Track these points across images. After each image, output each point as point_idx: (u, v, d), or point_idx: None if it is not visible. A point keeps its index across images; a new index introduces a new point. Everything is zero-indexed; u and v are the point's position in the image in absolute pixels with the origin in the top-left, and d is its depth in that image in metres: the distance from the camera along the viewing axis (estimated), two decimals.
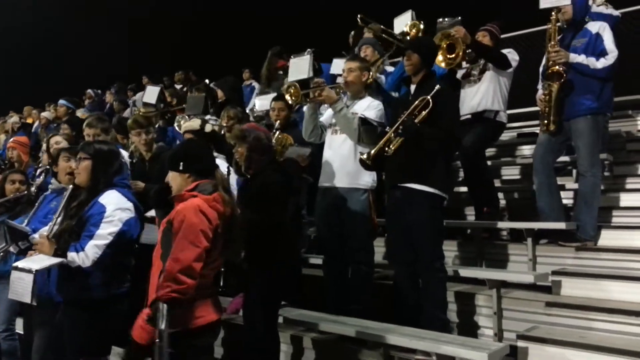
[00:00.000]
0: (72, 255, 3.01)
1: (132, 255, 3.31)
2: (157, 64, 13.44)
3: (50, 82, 14.16)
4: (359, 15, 7.99)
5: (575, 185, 4.65)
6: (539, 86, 4.54)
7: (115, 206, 3.11)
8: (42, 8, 15.07)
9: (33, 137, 8.40)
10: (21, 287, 2.98)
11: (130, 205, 3.19)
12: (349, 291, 4.12)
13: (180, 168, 2.80)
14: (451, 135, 3.67)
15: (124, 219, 3.11)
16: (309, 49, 4.25)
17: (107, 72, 13.37)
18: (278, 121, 4.90)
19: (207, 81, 9.82)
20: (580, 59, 4.13)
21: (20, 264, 3.05)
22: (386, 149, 3.69)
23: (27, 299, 2.95)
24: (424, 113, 3.60)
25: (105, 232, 3.04)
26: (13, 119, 9.07)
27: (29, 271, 2.93)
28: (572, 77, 4.17)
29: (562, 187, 4.64)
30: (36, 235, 3.37)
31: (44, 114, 9.56)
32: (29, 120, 10.02)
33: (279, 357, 3.64)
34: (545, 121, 4.26)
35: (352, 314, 3.89)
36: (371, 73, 4.37)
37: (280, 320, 3.86)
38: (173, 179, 2.84)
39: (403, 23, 5.38)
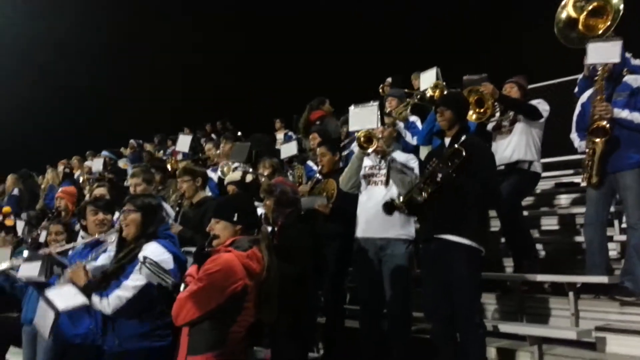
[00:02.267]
0: (95, 299, 3.09)
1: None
2: (194, 114, 14.07)
3: (92, 132, 14.89)
4: (383, 84, 8.28)
5: (622, 237, 4.56)
6: (574, 135, 4.52)
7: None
8: (91, 62, 16.17)
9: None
10: (44, 321, 3.15)
11: (166, 257, 3.14)
12: (385, 343, 4.08)
13: (235, 219, 2.88)
14: (489, 189, 3.66)
15: None
16: (372, 101, 4.30)
17: (148, 123, 14.01)
18: (322, 166, 4.98)
19: (239, 133, 10.16)
20: (624, 114, 4.13)
21: (50, 294, 3.16)
22: (414, 195, 3.67)
23: (45, 334, 3.16)
24: (456, 161, 3.56)
25: (131, 285, 3.05)
26: (60, 169, 9.43)
27: (53, 308, 3.07)
28: (616, 131, 4.14)
29: (610, 239, 4.52)
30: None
31: (87, 164, 9.90)
32: (74, 170, 10.37)
33: None
34: (588, 175, 4.23)
35: None
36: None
37: None
38: (223, 228, 2.90)
39: (428, 80, 5.47)
